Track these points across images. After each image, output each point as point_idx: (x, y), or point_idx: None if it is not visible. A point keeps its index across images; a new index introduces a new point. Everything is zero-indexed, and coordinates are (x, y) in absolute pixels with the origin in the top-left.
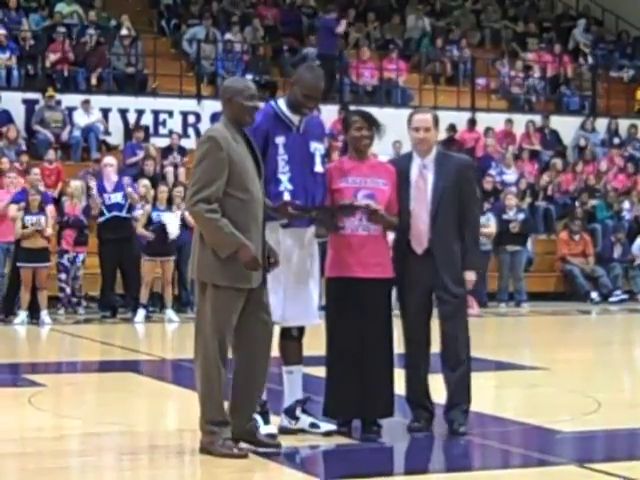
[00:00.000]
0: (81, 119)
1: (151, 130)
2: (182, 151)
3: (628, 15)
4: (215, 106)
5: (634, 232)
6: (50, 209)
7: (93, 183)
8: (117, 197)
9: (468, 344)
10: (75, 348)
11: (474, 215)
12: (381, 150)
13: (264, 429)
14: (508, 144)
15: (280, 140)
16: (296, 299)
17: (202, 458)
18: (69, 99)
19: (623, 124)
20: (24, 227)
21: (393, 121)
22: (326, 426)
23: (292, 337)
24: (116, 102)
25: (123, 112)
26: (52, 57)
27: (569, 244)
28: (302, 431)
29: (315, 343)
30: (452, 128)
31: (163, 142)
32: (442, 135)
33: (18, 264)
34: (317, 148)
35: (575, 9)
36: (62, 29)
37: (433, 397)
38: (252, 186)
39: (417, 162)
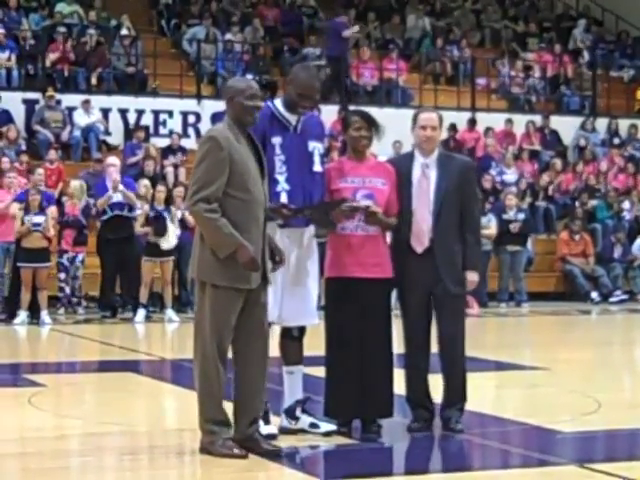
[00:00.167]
0: (81, 119)
1: (151, 130)
2: (182, 151)
3: (628, 15)
4: (215, 106)
5: (634, 232)
6: (52, 209)
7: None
8: (119, 196)
9: (464, 343)
10: (75, 348)
11: (475, 216)
12: (381, 150)
13: (264, 429)
14: (508, 144)
15: (277, 140)
16: (294, 299)
17: (202, 458)
18: (69, 99)
19: (623, 124)
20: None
21: (393, 121)
22: (326, 426)
23: (293, 337)
24: (116, 102)
25: (123, 112)
26: (52, 57)
27: (569, 244)
28: (302, 431)
29: (315, 343)
30: (453, 128)
31: (163, 142)
32: (443, 135)
33: (18, 264)
34: (316, 147)
35: (575, 9)
36: (62, 29)
37: (433, 397)
38: (253, 186)
39: (419, 161)
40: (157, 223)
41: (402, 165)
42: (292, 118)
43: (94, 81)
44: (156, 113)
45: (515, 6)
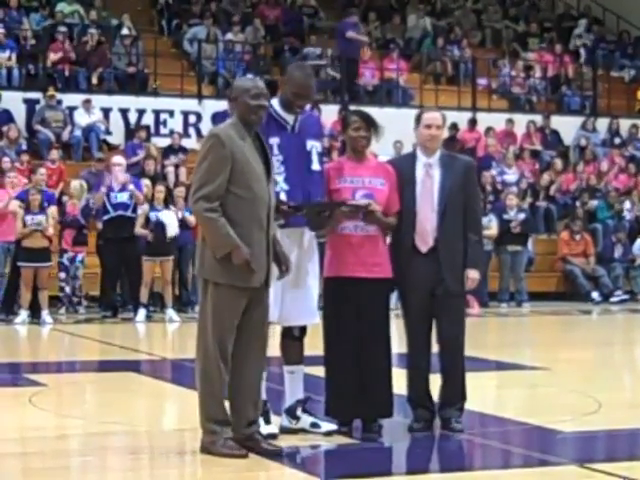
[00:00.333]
0: (82, 119)
1: (152, 130)
2: (183, 151)
3: (629, 15)
4: (216, 106)
5: (635, 232)
6: (52, 209)
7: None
8: (123, 197)
9: (464, 343)
10: (76, 348)
11: (478, 215)
12: (382, 150)
13: (265, 429)
14: (509, 144)
15: (274, 140)
16: (294, 298)
17: (203, 458)
18: (70, 99)
19: (624, 124)
20: (24, 226)
21: (394, 121)
22: (327, 426)
23: (293, 337)
24: (117, 102)
25: (124, 112)
26: (53, 56)
27: (570, 244)
28: (303, 431)
29: (315, 343)
30: (454, 127)
31: (164, 142)
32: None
33: (19, 263)
34: (314, 146)
35: (576, 9)
36: (63, 28)
37: (434, 397)
38: (256, 185)
39: (422, 161)
40: (156, 230)
41: (404, 165)
42: (289, 118)
43: (95, 81)
44: (157, 113)
45: (516, 6)
